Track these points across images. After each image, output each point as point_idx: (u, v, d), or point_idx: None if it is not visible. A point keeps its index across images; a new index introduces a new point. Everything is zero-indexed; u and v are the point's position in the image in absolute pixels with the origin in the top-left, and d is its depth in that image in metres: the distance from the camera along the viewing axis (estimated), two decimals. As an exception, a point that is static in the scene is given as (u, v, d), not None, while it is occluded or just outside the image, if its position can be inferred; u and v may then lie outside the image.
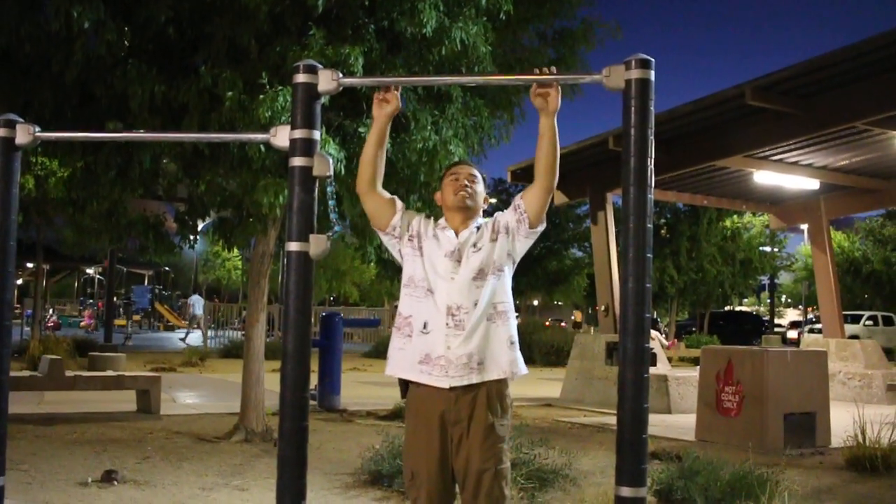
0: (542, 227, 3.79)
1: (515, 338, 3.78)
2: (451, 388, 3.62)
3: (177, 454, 7.70)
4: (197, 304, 33.70)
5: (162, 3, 6.95)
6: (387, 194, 3.85)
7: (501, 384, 3.71)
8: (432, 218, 3.94)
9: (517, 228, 3.74)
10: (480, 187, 3.91)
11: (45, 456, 7.39)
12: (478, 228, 3.81)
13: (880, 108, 10.34)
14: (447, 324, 3.63)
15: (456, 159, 7.82)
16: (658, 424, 10.11)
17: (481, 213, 3.94)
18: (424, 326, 3.68)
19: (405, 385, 3.77)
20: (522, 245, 3.78)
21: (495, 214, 3.86)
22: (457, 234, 3.79)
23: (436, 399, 3.65)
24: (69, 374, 10.40)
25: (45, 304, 35.12)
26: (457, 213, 3.82)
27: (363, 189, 3.82)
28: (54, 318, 35.18)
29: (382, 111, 3.63)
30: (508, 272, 3.78)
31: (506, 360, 3.70)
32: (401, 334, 3.74)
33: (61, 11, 6.65)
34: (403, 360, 3.72)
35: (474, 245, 3.74)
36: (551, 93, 3.41)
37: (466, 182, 3.83)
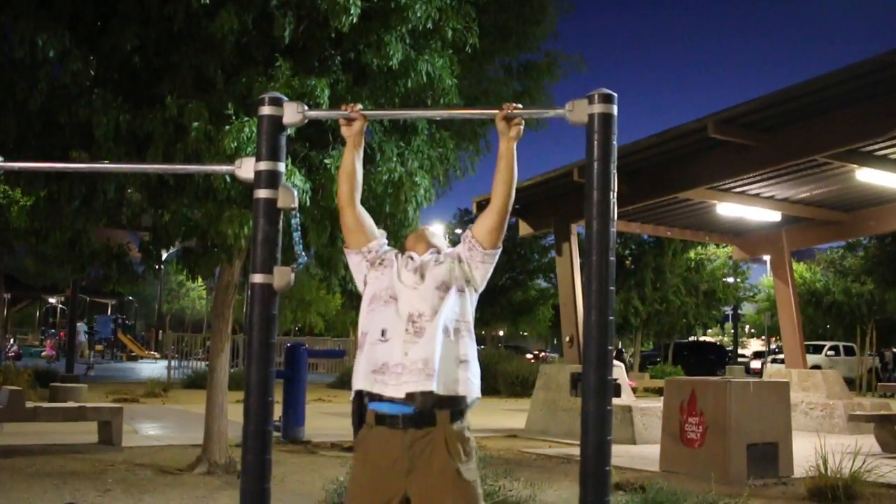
0: (498, 250, 3.76)
1: (469, 358, 3.63)
2: (405, 431, 3.44)
3: (138, 487, 7.61)
4: (81, 332, 33.81)
5: (128, 31, 6.94)
6: (369, 219, 3.85)
7: (458, 427, 3.52)
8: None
9: (471, 257, 3.74)
10: (440, 234, 4.02)
11: (4, 489, 7.28)
12: (437, 255, 3.83)
13: (839, 141, 10.51)
14: (406, 330, 3.55)
15: (421, 191, 7.85)
16: (622, 455, 10.12)
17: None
18: (383, 334, 3.59)
19: (359, 413, 3.60)
20: (481, 271, 3.75)
21: (452, 249, 3.91)
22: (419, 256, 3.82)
23: (389, 442, 3.48)
24: (30, 405, 10.26)
25: (6, 334, 34.68)
26: (418, 245, 3.87)
27: (344, 201, 3.80)
28: (15, 347, 34.72)
29: (350, 130, 3.65)
30: (469, 297, 3.75)
31: (451, 377, 3.53)
32: (360, 352, 3.66)
33: (26, 39, 6.63)
34: (359, 372, 3.60)
35: (436, 261, 3.74)
36: (516, 121, 3.46)
37: (426, 233, 3.95)
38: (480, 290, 3.81)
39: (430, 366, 3.47)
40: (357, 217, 3.81)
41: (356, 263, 3.82)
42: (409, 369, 3.46)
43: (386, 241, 3.91)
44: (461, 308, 3.68)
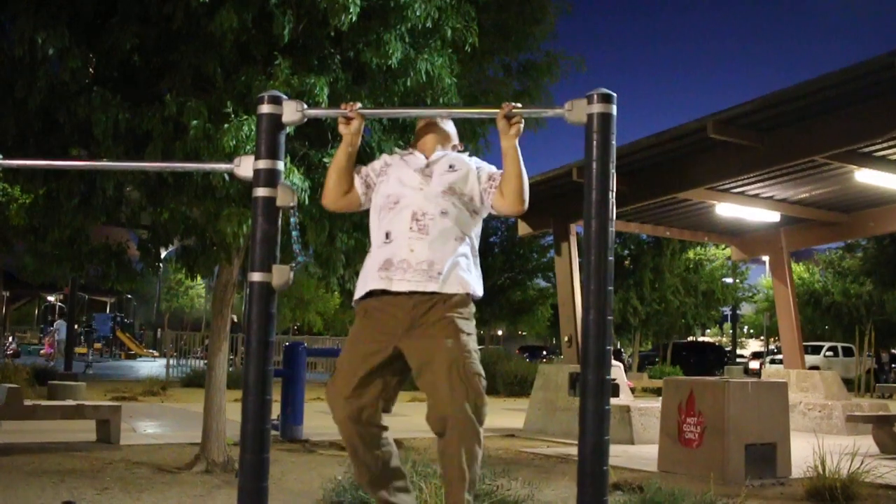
0: (486, 213, 3.85)
1: (475, 266, 3.73)
2: (410, 296, 3.51)
3: (136, 485, 7.61)
4: (62, 329, 33.77)
5: (127, 30, 6.94)
6: (349, 188, 3.88)
7: (462, 296, 3.61)
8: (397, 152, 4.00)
9: (484, 190, 3.76)
10: (451, 126, 4.03)
11: (1, 487, 7.27)
12: (452, 157, 3.84)
13: (839, 142, 10.51)
14: (410, 227, 3.58)
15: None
16: (620, 455, 10.12)
17: (455, 150, 3.98)
18: (387, 236, 3.62)
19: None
20: (484, 210, 3.84)
21: (475, 159, 3.89)
22: (427, 157, 3.83)
23: (393, 305, 3.55)
24: (28, 403, 10.25)
25: (5, 332, 34.68)
26: (427, 137, 3.85)
27: (330, 199, 3.82)
28: (14, 345, 34.72)
29: (348, 128, 3.64)
30: (479, 218, 3.81)
31: (470, 279, 3.64)
32: (368, 256, 3.72)
33: (25, 37, 6.63)
34: (364, 275, 3.64)
35: (450, 166, 3.74)
36: (516, 119, 3.49)
37: (434, 121, 4.00)
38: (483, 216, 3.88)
39: (435, 268, 3.54)
40: (343, 203, 3.83)
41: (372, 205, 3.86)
42: (415, 268, 3.53)
43: (360, 173, 3.91)
44: (472, 225, 3.74)
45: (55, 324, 36.22)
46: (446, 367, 3.46)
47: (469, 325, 3.59)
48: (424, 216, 3.57)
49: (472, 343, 3.57)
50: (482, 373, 3.58)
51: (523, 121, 3.49)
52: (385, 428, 3.67)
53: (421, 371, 3.53)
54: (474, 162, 3.86)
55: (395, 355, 3.53)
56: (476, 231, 3.80)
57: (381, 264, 3.55)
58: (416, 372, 3.56)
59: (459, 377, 3.47)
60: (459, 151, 3.97)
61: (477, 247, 3.81)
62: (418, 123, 4.04)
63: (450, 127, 4.00)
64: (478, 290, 3.68)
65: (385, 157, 3.96)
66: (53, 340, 40.32)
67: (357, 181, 3.85)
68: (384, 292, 3.57)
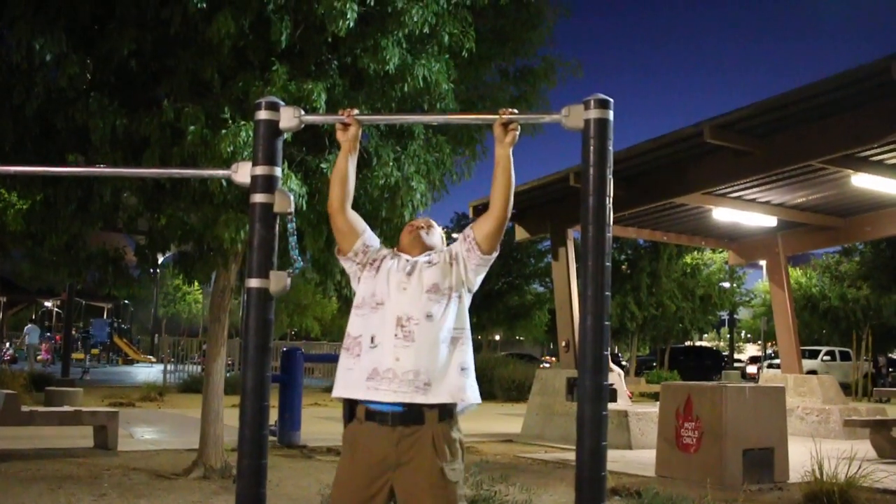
0: (495, 255, 3.72)
1: (469, 365, 3.61)
2: (394, 428, 3.45)
3: (134, 491, 7.60)
4: (32, 333, 33.69)
5: (125, 35, 6.94)
6: (360, 222, 3.82)
7: (446, 427, 3.51)
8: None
9: (468, 258, 3.68)
10: (437, 231, 3.96)
11: (-1, 493, 7.27)
12: (430, 257, 3.76)
13: (835, 147, 10.52)
14: (395, 335, 3.50)
15: (418, 195, 7.85)
16: (618, 460, 10.13)
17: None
18: (372, 341, 3.54)
19: (350, 410, 3.61)
20: (474, 274, 3.71)
21: (449, 246, 3.87)
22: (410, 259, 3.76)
23: (378, 437, 3.49)
24: (25, 408, 10.24)
25: (2, 338, 34.62)
26: (413, 249, 3.83)
27: (335, 207, 3.77)
28: (10, 351, 34.66)
29: (346, 135, 3.62)
30: (465, 300, 3.72)
31: (455, 385, 3.52)
32: (349, 354, 3.61)
33: (23, 43, 6.64)
34: (351, 380, 3.57)
35: (428, 262, 3.68)
36: (512, 126, 3.44)
37: (422, 225, 3.91)
38: (475, 290, 3.79)
39: (421, 378, 3.46)
40: (349, 221, 3.79)
41: (350, 269, 3.82)
42: (401, 378, 3.45)
43: (377, 242, 3.85)
44: (458, 315, 3.63)
45: (25, 328, 35.95)
46: None
47: (456, 471, 3.51)
48: (409, 321, 3.51)
49: (458, 491, 3.51)
50: None
51: (519, 128, 3.48)
52: None
53: None
54: (449, 249, 3.78)
55: (388, 491, 3.52)
56: (477, 281, 3.73)
57: (369, 373, 3.50)
58: None
59: None
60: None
61: (469, 328, 3.71)
62: (403, 238, 3.93)
63: (435, 239, 3.94)
64: (471, 396, 3.57)
65: (382, 248, 3.89)
66: (52, 346, 40.25)
67: (363, 231, 3.81)
68: (368, 413, 3.52)
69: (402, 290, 3.59)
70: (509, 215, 3.65)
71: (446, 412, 3.52)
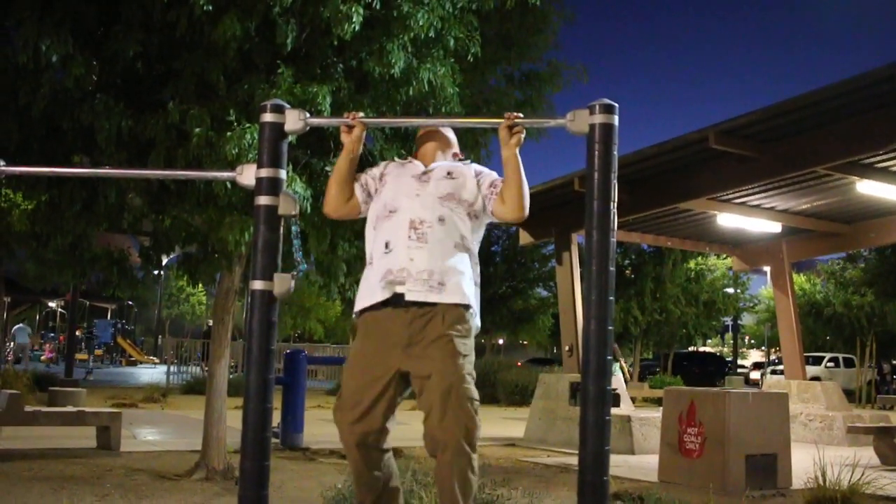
0: (487, 220, 3.83)
1: (478, 285, 3.71)
2: (407, 309, 3.51)
3: (136, 492, 7.61)
4: (20, 333, 33.65)
5: (130, 37, 6.95)
6: (351, 192, 3.89)
7: (461, 310, 3.58)
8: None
9: (486, 196, 3.75)
10: (451, 133, 4.01)
11: (1, 493, 7.27)
12: (450, 165, 3.81)
13: (840, 153, 10.52)
14: (409, 237, 3.56)
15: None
16: (621, 465, 10.12)
17: (454, 158, 3.96)
18: (386, 246, 3.61)
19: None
20: (485, 217, 3.82)
21: (475, 166, 3.89)
22: (426, 164, 3.83)
23: (391, 321, 3.55)
24: (28, 409, 10.25)
25: (6, 338, 34.65)
26: (427, 145, 3.87)
27: (332, 207, 3.83)
28: (11, 351, 34.68)
29: (350, 136, 3.66)
30: (481, 220, 3.78)
31: (469, 291, 3.61)
32: (368, 267, 3.69)
33: (29, 44, 6.64)
34: (367, 288, 3.64)
35: (448, 173, 3.72)
36: (517, 129, 3.49)
37: (434, 128, 3.98)
38: (481, 228, 3.87)
39: (435, 278, 3.53)
40: (346, 211, 3.87)
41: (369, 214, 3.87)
42: (415, 278, 3.53)
43: (374, 171, 3.94)
44: (471, 228, 3.71)
45: (14, 328, 35.72)
46: (441, 392, 3.46)
47: (466, 345, 3.57)
48: (422, 224, 3.57)
49: (468, 365, 3.54)
50: (476, 397, 3.56)
51: (524, 131, 3.51)
52: (388, 451, 3.73)
53: (419, 391, 3.56)
54: (474, 169, 3.87)
55: (397, 375, 3.55)
56: (477, 237, 3.80)
57: (383, 275, 3.55)
58: (416, 391, 3.58)
59: (453, 403, 3.46)
60: (460, 160, 3.99)
61: (477, 252, 3.80)
62: (419, 132, 4.04)
63: (450, 134, 4.03)
64: (474, 303, 3.66)
65: (383, 164, 3.97)
66: (55, 346, 40.29)
67: (357, 188, 3.87)
68: (384, 303, 3.58)
69: (416, 196, 3.65)
70: (526, 214, 3.70)
71: (461, 306, 3.59)
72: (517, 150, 3.55)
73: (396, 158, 4.04)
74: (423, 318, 3.53)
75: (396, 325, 3.53)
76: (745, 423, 9.22)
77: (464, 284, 3.60)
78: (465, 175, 3.78)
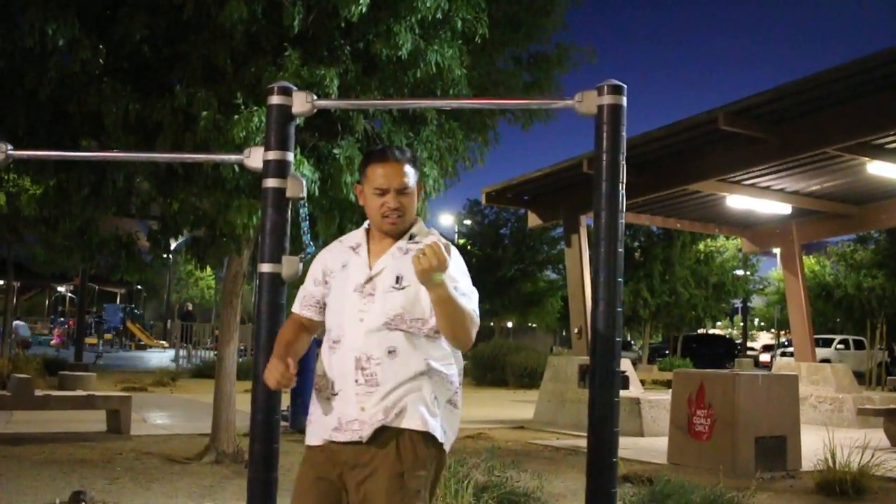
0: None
1: (450, 397, 3.08)
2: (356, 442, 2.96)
3: (146, 475, 7.63)
4: (21, 329, 33.81)
5: (138, 20, 6.93)
6: (309, 315, 3.19)
7: (419, 434, 2.96)
8: (344, 239, 3.23)
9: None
10: (413, 196, 3.10)
11: (12, 476, 7.30)
12: (405, 253, 3.04)
13: (850, 134, 10.46)
14: (356, 380, 2.95)
15: (430, 181, 7.77)
16: (630, 447, 10.12)
17: (413, 225, 3.14)
18: (333, 388, 3.02)
19: None
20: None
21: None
22: (370, 264, 3.06)
23: (337, 452, 3.02)
24: (39, 393, 10.30)
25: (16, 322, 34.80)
26: (376, 200, 3.03)
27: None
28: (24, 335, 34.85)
29: (281, 371, 2.96)
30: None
31: (425, 416, 2.96)
32: (319, 396, 3.10)
33: (35, 28, 6.63)
34: (315, 431, 3.12)
35: (397, 280, 3.00)
36: (419, 263, 2.73)
37: (396, 207, 3.03)
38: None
39: (393, 413, 2.94)
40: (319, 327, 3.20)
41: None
42: (369, 423, 2.94)
43: (319, 273, 3.17)
44: (435, 344, 3.04)
45: (14, 324, 35.62)
46: None
47: (420, 475, 2.96)
48: (370, 361, 2.93)
49: (417, 500, 2.95)
50: None
51: (430, 255, 2.71)
52: None
53: None
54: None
55: (335, 484, 3.06)
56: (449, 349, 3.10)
57: (336, 424, 3.00)
58: None
59: None
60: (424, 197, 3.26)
61: (455, 357, 3.12)
62: (376, 169, 3.05)
63: (411, 206, 3.10)
64: (438, 433, 3.01)
65: (323, 255, 3.19)
66: (65, 331, 40.44)
67: (313, 312, 3.17)
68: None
69: (359, 323, 2.99)
70: (470, 345, 3.03)
71: (414, 443, 2.97)
72: (441, 290, 2.80)
73: (341, 240, 3.23)
74: (373, 442, 2.95)
75: (342, 451, 3.00)
76: (754, 405, 9.21)
77: (423, 410, 2.97)
78: (416, 281, 2.85)
